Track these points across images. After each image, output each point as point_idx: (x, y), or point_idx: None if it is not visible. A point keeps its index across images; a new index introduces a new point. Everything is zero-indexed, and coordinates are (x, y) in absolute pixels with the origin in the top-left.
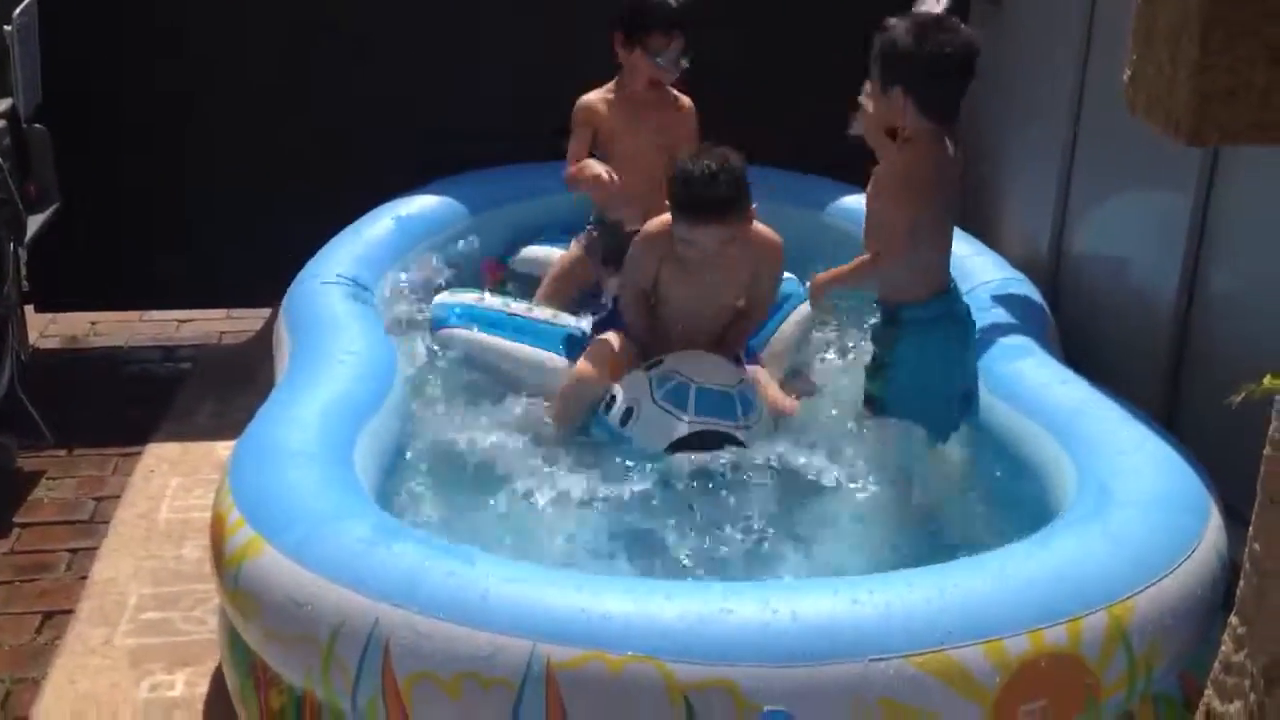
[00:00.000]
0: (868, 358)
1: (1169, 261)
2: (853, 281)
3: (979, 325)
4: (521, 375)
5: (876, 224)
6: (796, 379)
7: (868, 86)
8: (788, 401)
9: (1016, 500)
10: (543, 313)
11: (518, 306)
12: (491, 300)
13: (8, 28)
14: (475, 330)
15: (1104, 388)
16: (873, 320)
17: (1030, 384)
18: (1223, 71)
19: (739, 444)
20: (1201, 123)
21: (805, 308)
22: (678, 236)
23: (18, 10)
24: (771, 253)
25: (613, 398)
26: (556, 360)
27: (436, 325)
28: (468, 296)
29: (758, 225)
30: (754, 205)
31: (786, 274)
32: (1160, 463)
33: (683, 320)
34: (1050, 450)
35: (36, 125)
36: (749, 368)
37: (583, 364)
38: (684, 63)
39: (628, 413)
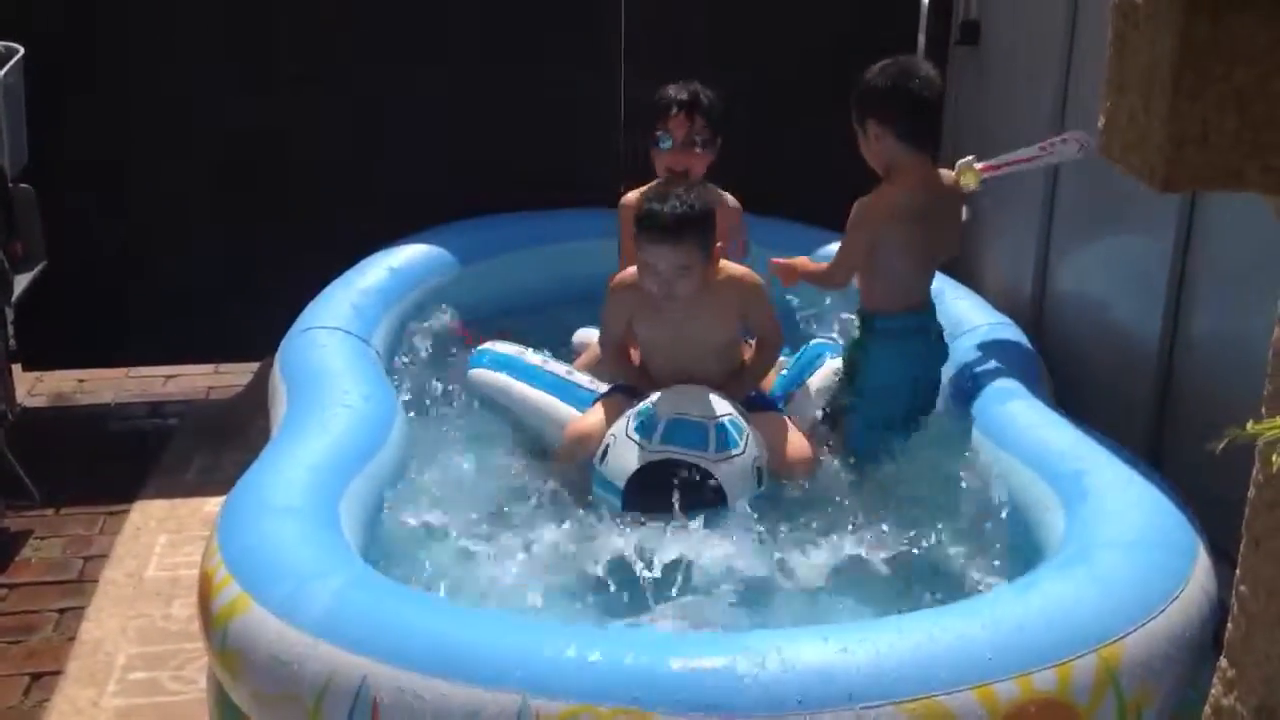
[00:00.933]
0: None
1: (1151, 304)
2: (810, 280)
3: (971, 368)
4: (541, 426)
5: (842, 243)
6: (822, 429)
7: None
8: (802, 456)
9: (1005, 543)
10: (581, 377)
11: (556, 366)
12: (532, 356)
13: None
14: (504, 375)
15: (1090, 429)
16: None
17: (1019, 426)
18: (1195, 118)
19: (709, 478)
20: (1175, 169)
21: (832, 368)
22: (640, 263)
23: (3, 71)
24: (751, 291)
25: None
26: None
27: (471, 366)
28: (509, 348)
29: (732, 265)
30: (719, 245)
31: (827, 337)
32: (1148, 504)
33: (671, 375)
34: (1038, 492)
35: (22, 185)
36: (771, 414)
37: (573, 426)
38: (698, 146)
39: (606, 449)
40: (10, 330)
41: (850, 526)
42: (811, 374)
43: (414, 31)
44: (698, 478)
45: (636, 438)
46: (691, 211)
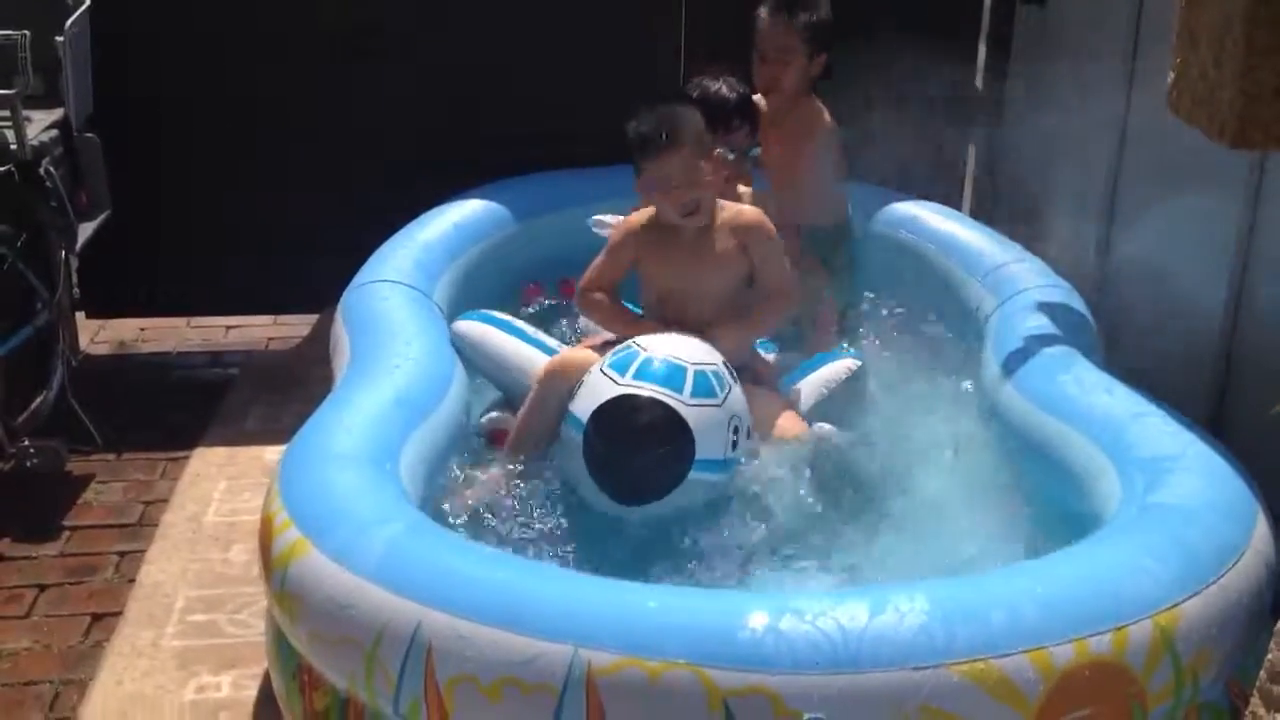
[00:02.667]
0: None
1: (1217, 268)
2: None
3: (1023, 332)
4: (520, 383)
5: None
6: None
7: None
8: (796, 427)
9: (1060, 508)
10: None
11: (550, 340)
12: (525, 325)
13: (59, 38)
14: (491, 328)
15: (1149, 395)
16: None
17: (1073, 392)
18: (1268, 72)
19: (679, 421)
20: (1246, 125)
21: (845, 365)
22: (646, 189)
23: (69, 21)
24: (757, 230)
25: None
26: None
27: (460, 319)
28: (504, 315)
29: (736, 205)
30: (716, 151)
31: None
32: (1206, 469)
33: (675, 321)
34: (1094, 457)
35: (87, 134)
36: (766, 390)
37: (555, 358)
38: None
39: (578, 387)
40: (75, 278)
41: (899, 490)
42: (814, 371)
43: None
44: (666, 419)
45: (610, 372)
46: (668, 117)
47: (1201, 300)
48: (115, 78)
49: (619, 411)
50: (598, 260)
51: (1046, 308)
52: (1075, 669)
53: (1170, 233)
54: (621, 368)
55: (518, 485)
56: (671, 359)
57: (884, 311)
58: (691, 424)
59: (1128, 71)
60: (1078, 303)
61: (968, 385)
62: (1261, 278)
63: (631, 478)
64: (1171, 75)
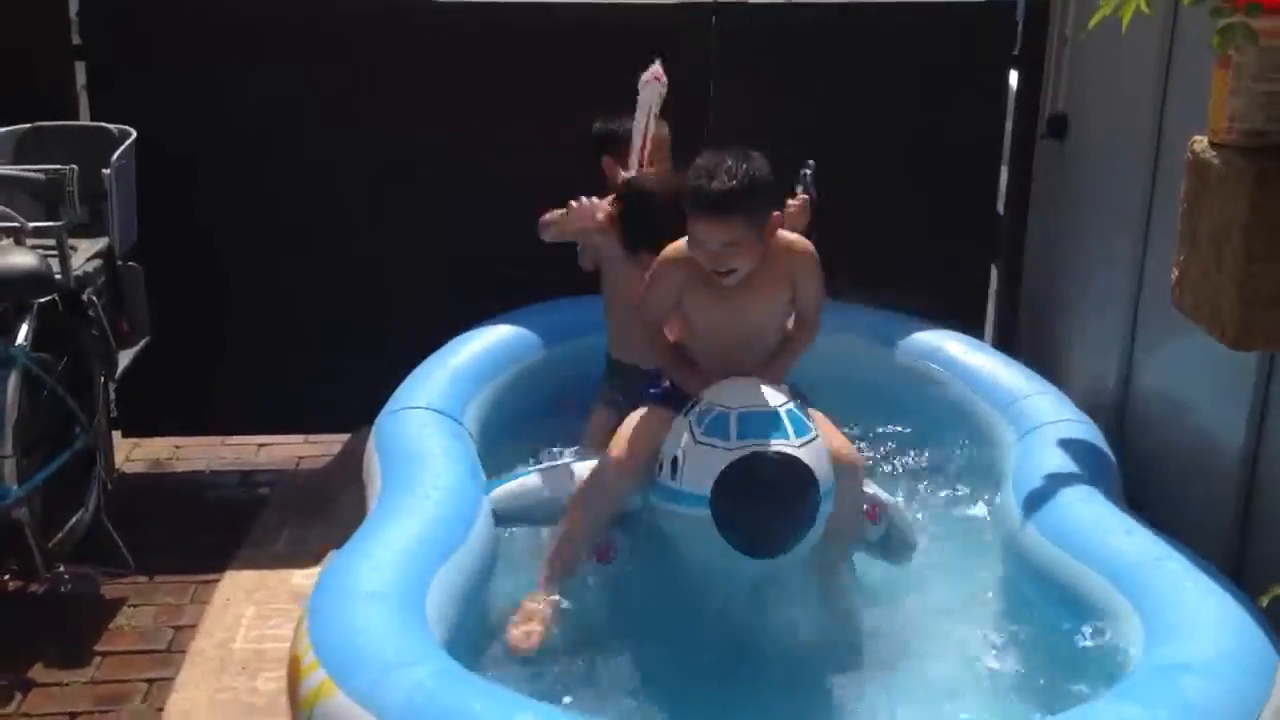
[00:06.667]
0: None
1: (1236, 405)
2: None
3: (1044, 468)
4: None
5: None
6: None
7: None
8: (850, 449)
9: (1078, 655)
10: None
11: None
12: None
13: (106, 171)
14: (521, 478)
15: (1169, 538)
16: None
17: (1092, 532)
18: (1266, 280)
19: (800, 465)
20: (1246, 329)
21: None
22: (690, 235)
23: (116, 154)
24: (803, 259)
25: (661, 461)
26: None
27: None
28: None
29: (784, 234)
30: (777, 214)
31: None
32: (1225, 619)
33: (719, 351)
34: (1114, 602)
35: (130, 263)
36: (810, 409)
37: (601, 461)
38: None
39: (674, 463)
40: (113, 402)
41: (909, 637)
42: None
43: (485, 115)
44: (793, 468)
45: (710, 440)
46: (742, 189)
47: (1220, 438)
48: (151, 205)
49: (745, 474)
50: (647, 292)
51: (1066, 443)
52: None
53: (1191, 366)
54: (720, 431)
55: (561, 615)
56: (761, 409)
57: (902, 443)
58: (811, 464)
59: (1147, 205)
60: (1098, 438)
61: (986, 521)
62: None
63: (774, 532)
64: (1175, 272)
